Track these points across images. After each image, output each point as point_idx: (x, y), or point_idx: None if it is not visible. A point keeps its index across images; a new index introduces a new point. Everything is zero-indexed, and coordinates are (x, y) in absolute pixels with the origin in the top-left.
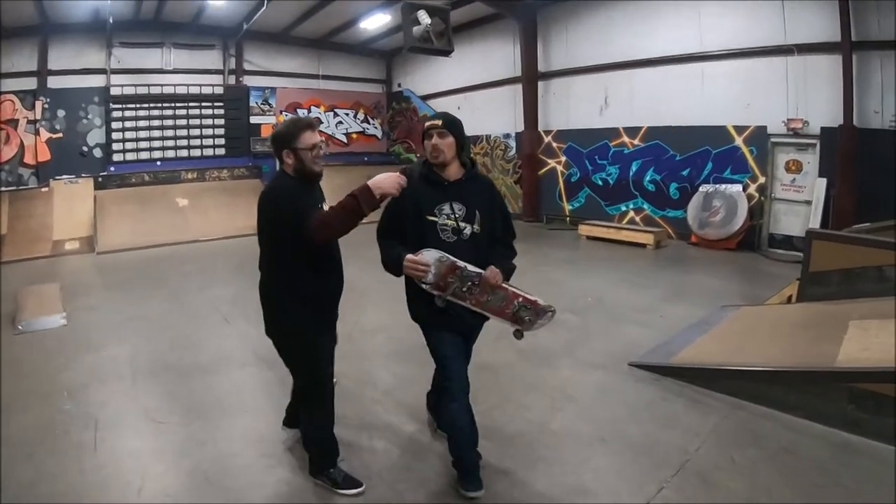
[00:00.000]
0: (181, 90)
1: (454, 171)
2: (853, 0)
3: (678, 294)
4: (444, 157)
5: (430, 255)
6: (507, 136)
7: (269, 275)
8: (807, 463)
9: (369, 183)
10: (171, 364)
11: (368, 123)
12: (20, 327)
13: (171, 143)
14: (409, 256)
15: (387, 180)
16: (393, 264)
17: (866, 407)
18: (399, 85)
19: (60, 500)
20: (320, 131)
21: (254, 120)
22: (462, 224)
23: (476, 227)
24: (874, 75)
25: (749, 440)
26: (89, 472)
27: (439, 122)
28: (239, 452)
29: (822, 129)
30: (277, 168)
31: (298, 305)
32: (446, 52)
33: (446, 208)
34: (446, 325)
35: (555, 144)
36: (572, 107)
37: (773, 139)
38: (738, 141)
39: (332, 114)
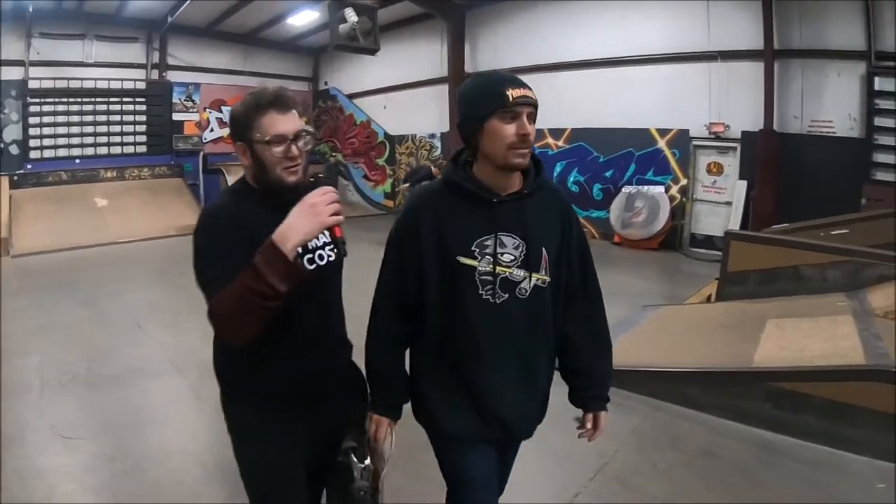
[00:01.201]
0: (102, 84)
1: (510, 180)
2: (777, 9)
3: None
4: (528, 154)
5: None
6: (433, 135)
7: (214, 343)
8: (727, 464)
9: (274, 234)
10: (81, 375)
11: None
12: None
13: (90, 140)
14: None
15: (302, 218)
16: (388, 401)
17: (784, 406)
18: (326, 83)
19: None
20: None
21: (176, 117)
22: (517, 272)
23: (542, 275)
24: (795, 82)
25: (669, 442)
26: None
27: (533, 93)
28: (149, 468)
29: (743, 133)
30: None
31: (243, 398)
32: (372, 51)
33: (490, 244)
34: (483, 432)
35: None
36: None
37: (695, 142)
38: (661, 143)
39: None
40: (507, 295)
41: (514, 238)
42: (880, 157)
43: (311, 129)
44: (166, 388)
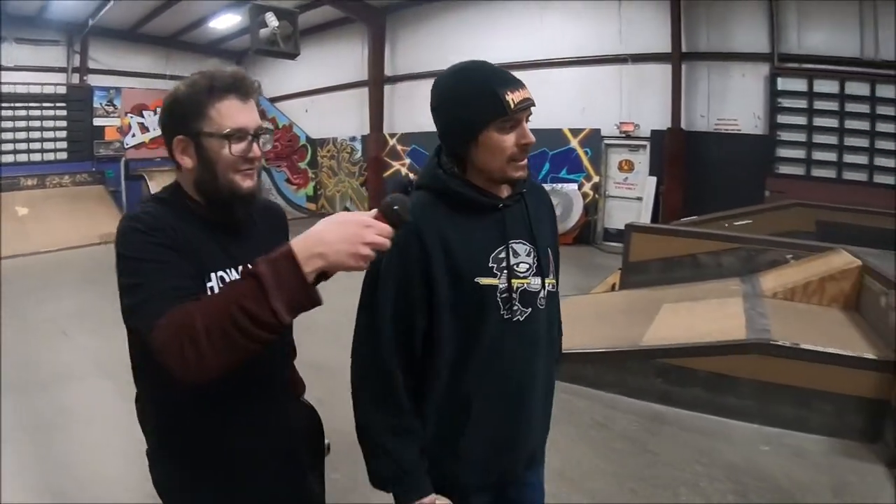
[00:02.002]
0: (21, 89)
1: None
2: (685, 13)
3: None
4: (527, 165)
5: None
6: (354, 139)
7: (142, 385)
8: (617, 434)
9: (296, 244)
10: (9, 382)
11: None
12: None
13: (9, 146)
14: None
15: (342, 233)
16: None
17: (672, 380)
18: None
19: None
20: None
21: (97, 122)
22: (534, 281)
23: (552, 280)
24: (702, 83)
25: (565, 418)
26: None
27: (529, 93)
28: (76, 464)
29: (653, 131)
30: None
31: (173, 461)
32: (292, 56)
33: (504, 255)
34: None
35: (399, 147)
36: (417, 110)
37: (606, 141)
38: (574, 143)
39: None
40: (529, 309)
41: (524, 245)
42: (783, 153)
43: (270, 125)
44: (92, 389)
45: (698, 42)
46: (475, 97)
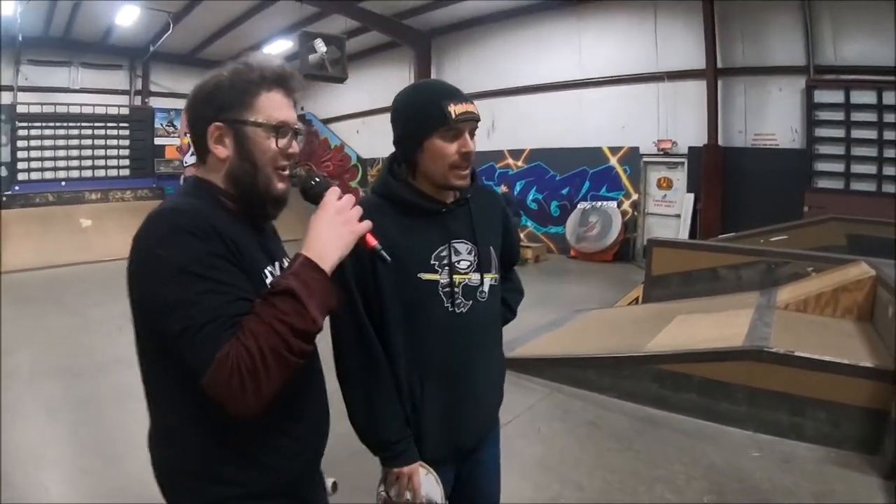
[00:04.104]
0: (87, 110)
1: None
2: (720, 29)
3: (541, 301)
4: (469, 174)
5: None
6: None
7: (153, 428)
8: (606, 432)
9: (309, 248)
10: (67, 367)
11: None
12: None
13: (75, 163)
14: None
15: (333, 229)
16: (380, 444)
17: (667, 384)
18: (302, 108)
19: None
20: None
21: (158, 141)
22: (475, 277)
23: (493, 274)
24: (738, 98)
25: (559, 416)
26: None
27: (474, 108)
28: (132, 431)
29: (690, 148)
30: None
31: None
32: (340, 80)
33: (446, 254)
34: (454, 447)
35: None
36: None
37: (644, 158)
38: (613, 161)
39: None
40: (470, 302)
41: (466, 244)
42: (821, 166)
43: (302, 126)
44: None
45: (734, 57)
46: (423, 108)
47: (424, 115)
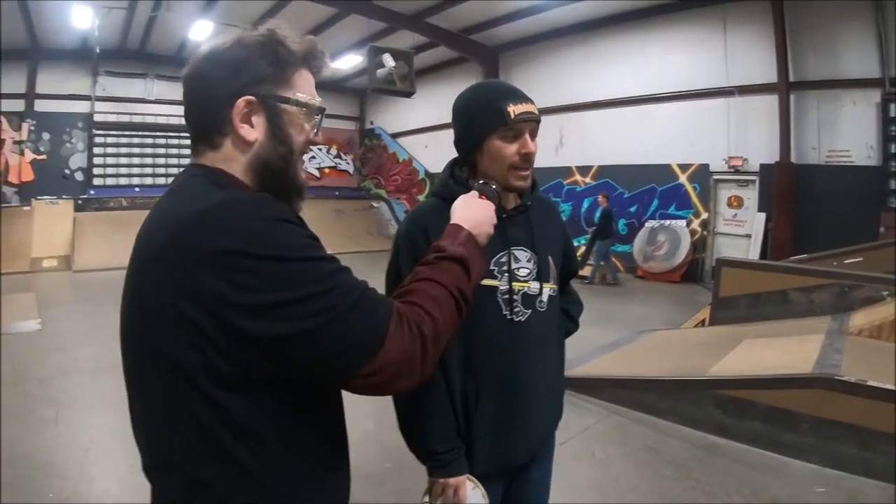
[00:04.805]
0: (162, 120)
1: (509, 197)
2: (791, 42)
3: (604, 320)
4: (530, 175)
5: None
6: None
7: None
8: (664, 459)
9: (461, 219)
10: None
11: (341, 159)
12: None
13: (149, 170)
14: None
15: (480, 209)
16: (427, 452)
17: (730, 411)
18: (371, 122)
19: (21, 457)
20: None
21: None
22: (534, 285)
23: (552, 284)
24: (811, 112)
25: (616, 439)
26: (48, 438)
27: (535, 108)
28: None
29: (761, 165)
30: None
31: None
32: (408, 94)
33: (505, 260)
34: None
35: None
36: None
37: (714, 176)
38: (682, 178)
39: None
40: (529, 311)
41: (525, 251)
42: None
43: None
44: None
45: (806, 70)
46: (482, 108)
47: (484, 115)
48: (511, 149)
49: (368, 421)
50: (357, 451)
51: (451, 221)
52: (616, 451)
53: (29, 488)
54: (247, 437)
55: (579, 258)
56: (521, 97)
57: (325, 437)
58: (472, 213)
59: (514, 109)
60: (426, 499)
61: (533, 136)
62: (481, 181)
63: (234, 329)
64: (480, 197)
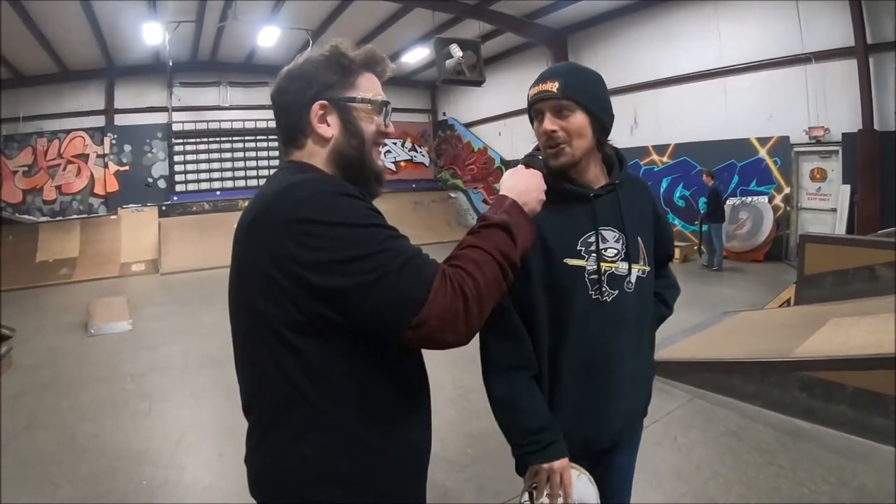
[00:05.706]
0: (237, 125)
1: (594, 175)
2: (866, 2)
3: (687, 302)
4: (569, 154)
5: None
6: None
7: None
8: (747, 444)
9: (507, 188)
10: (217, 359)
11: (416, 151)
12: (92, 331)
13: (229, 173)
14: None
15: (530, 179)
16: (522, 433)
17: (817, 394)
18: (444, 114)
19: (116, 447)
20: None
21: None
22: (622, 266)
23: (642, 265)
24: (891, 76)
25: (698, 424)
26: (141, 430)
27: (555, 86)
28: None
29: (844, 135)
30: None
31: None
32: (478, 83)
33: (593, 240)
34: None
35: None
36: None
37: (796, 149)
38: (762, 153)
39: None
40: (616, 291)
41: (613, 231)
42: None
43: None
44: None
45: (884, 31)
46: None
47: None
48: (539, 129)
49: (451, 409)
50: (440, 437)
51: (500, 192)
52: (698, 436)
53: (123, 476)
54: (320, 381)
55: (695, 249)
56: (542, 78)
57: (398, 390)
58: (518, 182)
59: (531, 92)
60: (524, 497)
61: (557, 114)
62: (529, 154)
63: (303, 283)
64: (528, 168)
